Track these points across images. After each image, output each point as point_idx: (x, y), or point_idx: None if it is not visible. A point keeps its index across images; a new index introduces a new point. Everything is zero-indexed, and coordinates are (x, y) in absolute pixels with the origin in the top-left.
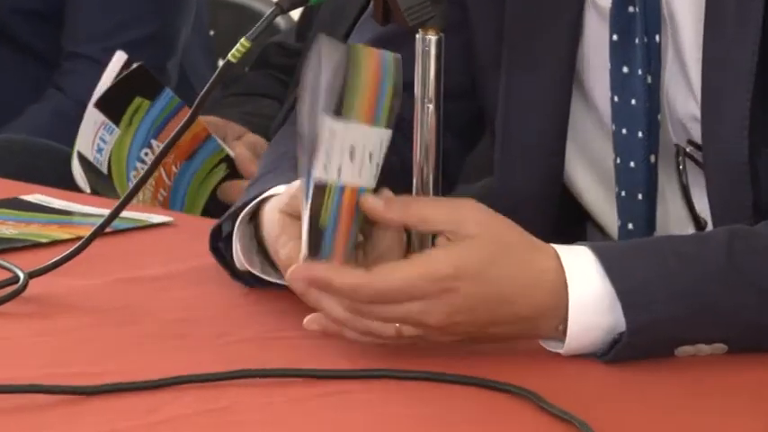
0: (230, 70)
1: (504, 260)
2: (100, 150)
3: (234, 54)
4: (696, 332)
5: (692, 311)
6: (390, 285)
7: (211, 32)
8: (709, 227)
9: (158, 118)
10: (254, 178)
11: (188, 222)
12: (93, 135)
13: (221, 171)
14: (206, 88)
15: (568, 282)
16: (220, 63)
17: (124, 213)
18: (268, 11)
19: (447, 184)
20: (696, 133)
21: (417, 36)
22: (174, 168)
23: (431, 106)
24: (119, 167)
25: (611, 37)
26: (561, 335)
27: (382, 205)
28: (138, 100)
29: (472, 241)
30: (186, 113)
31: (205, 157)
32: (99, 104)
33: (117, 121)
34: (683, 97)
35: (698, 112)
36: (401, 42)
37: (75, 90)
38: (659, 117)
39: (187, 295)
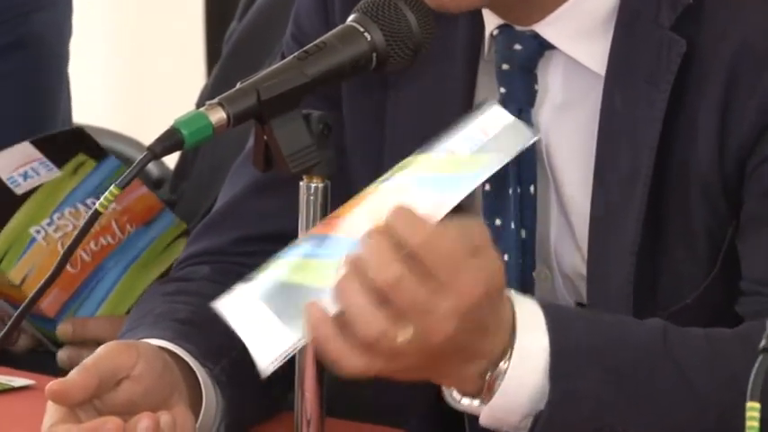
0: (97, 218)
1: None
2: (26, 176)
3: (102, 203)
4: (618, 413)
5: (619, 388)
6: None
7: None
8: None
9: (107, 180)
10: (120, 334)
11: None
12: (21, 163)
13: (182, 245)
14: (76, 234)
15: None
16: None
17: None
18: (136, 155)
19: None
20: (585, 292)
21: (301, 183)
22: (128, 227)
23: None
24: (44, 198)
25: (482, 187)
26: (485, 391)
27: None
28: (82, 156)
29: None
30: (136, 186)
31: (165, 228)
32: (37, 144)
33: (58, 165)
34: (571, 254)
35: (584, 270)
36: (280, 189)
37: None
38: (540, 273)
39: None
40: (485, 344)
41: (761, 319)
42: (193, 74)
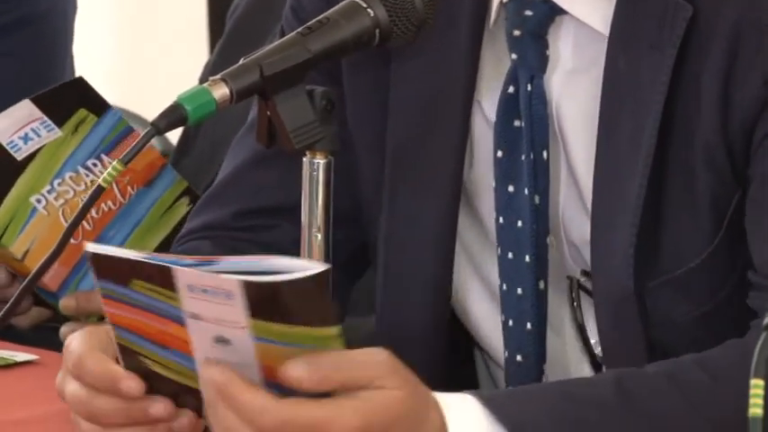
0: (101, 194)
1: (403, 420)
2: (26, 139)
3: (106, 178)
4: None
5: None
6: (295, 419)
7: None
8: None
9: (108, 137)
10: None
11: (55, 361)
12: (22, 124)
13: (184, 206)
14: (78, 210)
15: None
16: None
17: None
18: (140, 130)
19: None
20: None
21: (304, 159)
22: (129, 189)
23: (319, 235)
24: (45, 162)
25: (495, 153)
26: None
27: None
28: (82, 111)
29: (379, 395)
30: (136, 137)
31: (166, 187)
32: (37, 101)
33: (59, 124)
34: (579, 221)
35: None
36: (280, 161)
37: None
38: (549, 240)
39: None
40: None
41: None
42: (196, 49)
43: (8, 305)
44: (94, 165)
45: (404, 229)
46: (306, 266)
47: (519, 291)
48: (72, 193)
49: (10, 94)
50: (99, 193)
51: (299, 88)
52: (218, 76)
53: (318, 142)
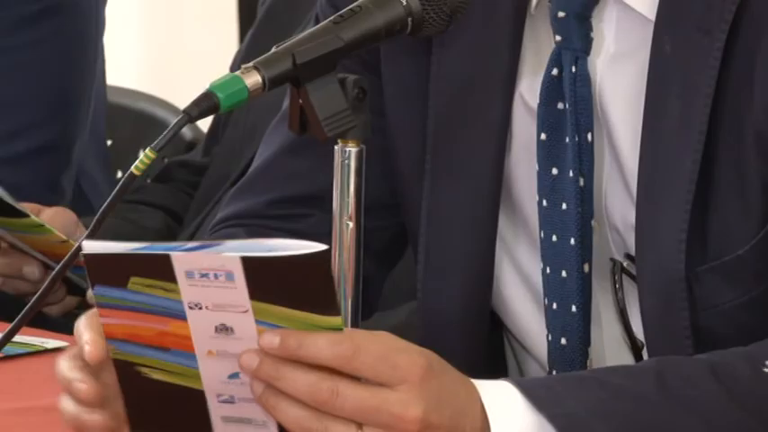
0: (133, 182)
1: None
2: None
3: (138, 166)
4: None
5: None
6: (368, 349)
7: (109, 142)
8: (646, 353)
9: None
10: None
11: None
12: None
13: None
14: (109, 199)
15: (491, 422)
16: (119, 175)
17: (17, 337)
18: (170, 118)
19: (366, 311)
20: (633, 243)
21: (336, 147)
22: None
23: (351, 224)
24: None
25: (538, 136)
26: None
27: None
28: None
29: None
30: None
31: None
32: None
33: None
34: (622, 204)
35: (634, 220)
36: (313, 149)
37: None
38: (593, 224)
39: None
40: (465, 421)
41: None
42: (225, 36)
43: (40, 291)
44: None
45: (445, 215)
46: (308, 246)
47: (563, 274)
48: None
49: (41, 81)
50: (131, 180)
51: (331, 76)
52: (250, 64)
53: (350, 130)
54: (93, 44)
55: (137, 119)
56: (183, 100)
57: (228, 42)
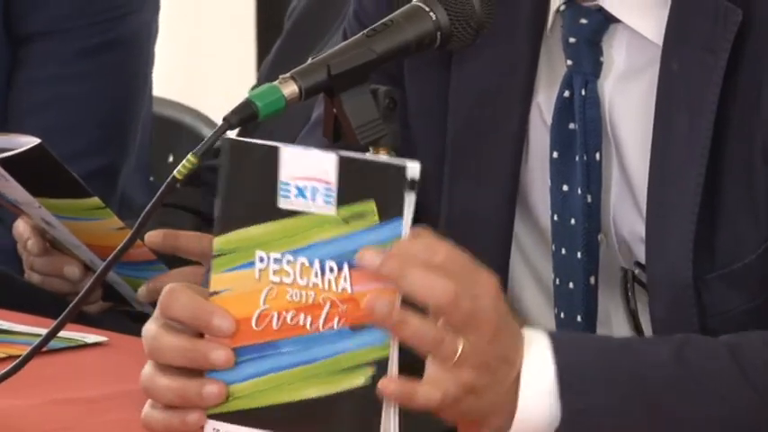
0: (175, 187)
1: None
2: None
3: (180, 171)
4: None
5: (630, 403)
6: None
7: None
8: None
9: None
10: None
11: (123, 342)
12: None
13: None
14: (151, 203)
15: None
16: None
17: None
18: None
19: None
20: (643, 256)
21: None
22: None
23: None
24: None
25: (551, 154)
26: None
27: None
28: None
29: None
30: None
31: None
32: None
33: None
34: (631, 219)
35: (644, 233)
36: None
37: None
38: (600, 238)
39: (123, 418)
40: (518, 344)
41: None
42: (243, 43)
43: (88, 285)
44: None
45: (462, 225)
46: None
47: (570, 285)
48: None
49: (96, 111)
50: (172, 186)
51: (363, 87)
52: (287, 75)
53: (382, 138)
54: (144, 77)
55: (161, 125)
56: (202, 105)
57: (246, 49)
